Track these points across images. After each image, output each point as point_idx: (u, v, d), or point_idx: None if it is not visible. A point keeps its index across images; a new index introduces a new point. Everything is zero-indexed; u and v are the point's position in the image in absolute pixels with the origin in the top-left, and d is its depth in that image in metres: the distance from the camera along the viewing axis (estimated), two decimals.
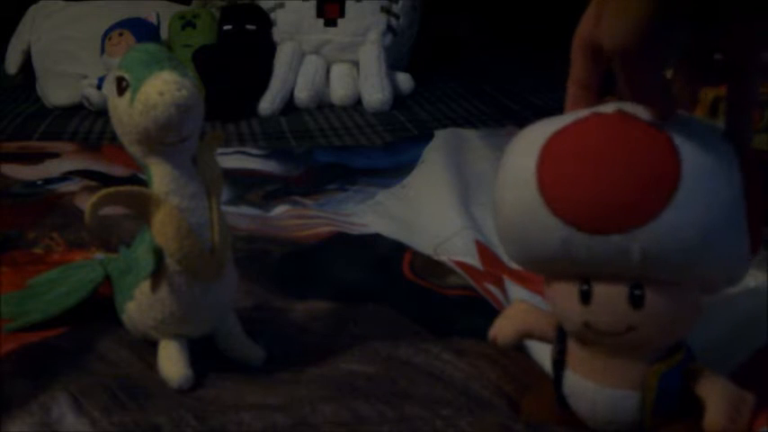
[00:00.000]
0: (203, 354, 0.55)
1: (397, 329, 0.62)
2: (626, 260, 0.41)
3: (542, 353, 0.56)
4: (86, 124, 1.31)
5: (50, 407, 0.49)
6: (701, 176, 0.40)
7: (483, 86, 1.50)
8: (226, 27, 1.44)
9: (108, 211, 0.54)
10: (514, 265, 0.73)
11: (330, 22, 1.44)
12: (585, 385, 0.45)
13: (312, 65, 1.42)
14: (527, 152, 0.44)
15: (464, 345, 0.59)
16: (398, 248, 0.77)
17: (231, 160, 1.04)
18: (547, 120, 0.45)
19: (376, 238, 0.80)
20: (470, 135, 1.11)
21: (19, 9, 1.56)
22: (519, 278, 0.70)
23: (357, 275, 0.72)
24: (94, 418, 0.48)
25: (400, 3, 1.48)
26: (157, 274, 0.52)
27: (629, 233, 0.40)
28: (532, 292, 0.67)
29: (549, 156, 0.43)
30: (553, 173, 0.42)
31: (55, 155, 1.09)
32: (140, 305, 0.54)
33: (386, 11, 1.46)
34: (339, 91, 1.40)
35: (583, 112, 0.44)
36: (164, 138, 0.50)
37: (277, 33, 1.45)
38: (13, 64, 1.54)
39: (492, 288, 0.69)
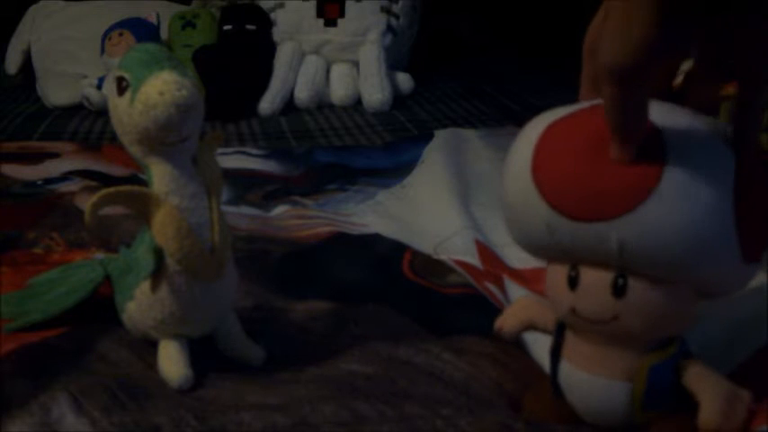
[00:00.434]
0: (203, 354, 0.55)
1: (397, 329, 0.62)
2: (605, 249, 0.41)
3: (542, 352, 0.56)
4: (86, 124, 1.30)
5: (50, 407, 0.49)
6: (686, 173, 0.40)
7: (483, 86, 1.50)
8: (226, 27, 1.44)
9: (108, 211, 0.54)
10: (514, 265, 0.73)
11: (330, 22, 1.44)
12: (579, 375, 0.46)
13: (312, 65, 1.42)
14: (527, 139, 0.45)
15: (464, 344, 0.59)
16: (398, 248, 0.77)
17: (231, 160, 1.04)
18: (555, 110, 0.46)
19: (376, 238, 0.80)
20: (470, 135, 1.11)
21: (19, 9, 1.56)
22: (519, 278, 0.71)
23: (357, 275, 0.72)
24: (94, 418, 0.48)
25: (400, 3, 1.48)
26: (157, 274, 0.52)
27: (609, 222, 0.41)
28: (532, 292, 0.67)
29: (543, 143, 0.44)
30: (544, 159, 0.43)
31: (55, 155, 1.09)
32: (140, 305, 0.54)
33: (386, 11, 1.46)
34: (339, 91, 1.40)
35: (583, 104, 0.45)
36: (164, 138, 0.50)
37: (277, 33, 1.45)
38: (13, 64, 1.54)
39: (492, 287, 0.69)
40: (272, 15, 1.46)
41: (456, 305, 0.66)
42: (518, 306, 0.53)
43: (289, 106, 1.37)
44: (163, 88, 0.48)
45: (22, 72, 1.54)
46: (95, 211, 0.50)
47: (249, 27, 1.44)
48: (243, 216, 0.86)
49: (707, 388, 0.44)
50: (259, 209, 0.89)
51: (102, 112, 1.33)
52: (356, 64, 1.42)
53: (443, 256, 0.74)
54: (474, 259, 0.73)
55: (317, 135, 1.23)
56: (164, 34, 1.44)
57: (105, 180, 0.97)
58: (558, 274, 0.45)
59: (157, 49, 0.51)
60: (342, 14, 1.44)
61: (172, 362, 0.53)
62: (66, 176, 0.99)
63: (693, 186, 0.40)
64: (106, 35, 1.39)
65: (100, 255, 0.74)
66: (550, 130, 0.44)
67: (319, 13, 1.44)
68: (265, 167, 1.04)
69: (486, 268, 0.72)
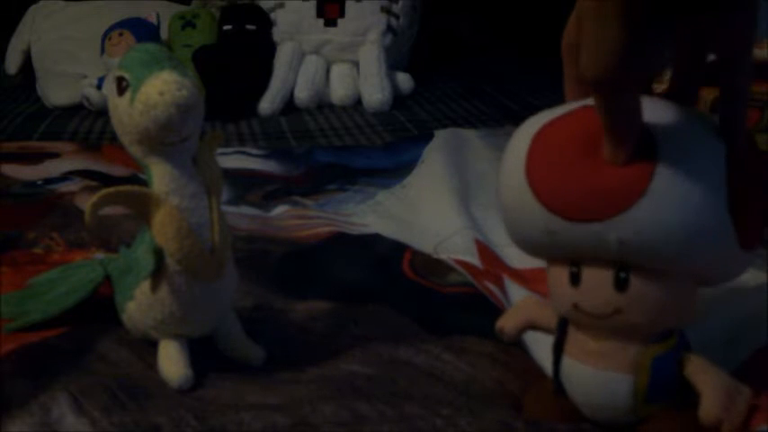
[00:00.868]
0: (203, 354, 0.55)
1: (397, 329, 0.62)
2: (604, 247, 0.42)
3: (542, 352, 0.56)
4: (86, 124, 1.31)
5: (50, 407, 0.49)
6: (678, 168, 0.40)
7: (483, 86, 1.50)
8: (226, 27, 1.44)
9: (108, 211, 0.54)
10: (514, 265, 0.73)
11: (330, 22, 1.44)
12: (581, 369, 0.46)
13: (312, 65, 1.42)
14: (522, 140, 0.45)
15: (465, 343, 0.59)
16: (398, 248, 0.77)
17: (231, 160, 1.04)
18: (548, 111, 0.46)
19: (376, 238, 0.80)
20: (470, 135, 1.11)
21: (19, 9, 1.56)
22: (519, 278, 0.71)
23: (357, 275, 0.72)
24: (94, 418, 0.48)
25: (400, 3, 1.48)
26: (157, 274, 0.52)
27: (606, 222, 0.41)
28: (532, 292, 0.67)
29: (537, 144, 0.44)
30: (538, 160, 0.44)
31: (55, 155, 1.09)
32: (140, 305, 0.54)
33: (386, 11, 1.46)
34: (339, 91, 1.40)
35: (575, 105, 0.45)
36: (164, 138, 0.50)
37: (277, 33, 1.45)
38: (13, 64, 1.54)
39: (492, 287, 0.69)
40: (272, 15, 1.46)
41: (456, 305, 0.66)
42: (519, 306, 0.53)
43: (289, 106, 1.37)
44: (163, 88, 0.48)
45: (22, 72, 1.54)
46: (95, 211, 0.50)
47: (249, 27, 1.44)
48: (243, 216, 0.86)
49: (708, 381, 0.44)
50: (259, 209, 0.89)
51: (102, 112, 1.33)
52: (356, 64, 1.42)
53: (443, 256, 0.74)
54: (474, 259, 0.73)
55: (317, 135, 1.23)
56: (164, 34, 1.44)
57: (105, 180, 0.97)
58: (558, 272, 0.45)
59: (157, 49, 0.51)
60: (342, 14, 1.44)
61: (172, 362, 0.53)
62: (66, 176, 0.99)
63: (686, 180, 0.40)
64: (106, 35, 1.40)
65: (100, 255, 0.74)
66: (543, 131, 0.44)
67: (319, 13, 1.44)
68: (265, 167, 1.04)
69: (486, 268, 0.72)
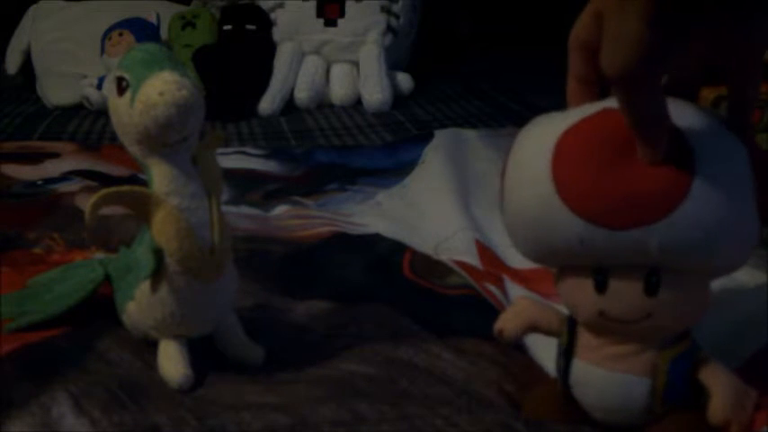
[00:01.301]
0: (203, 354, 0.55)
1: (397, 329, 0.62)
2: (644, 253, 0.41)
3: (542, 352, 0.56)
4: (86, 124, 1.30)
5: (50, 407, 0.49)
6: (715, 168, 0.40)
7: (483, 86, 1.50)
8: (226, 27, 1.44)
9: (108, 211, 0.54)
10: (514, 265, 0.73)
11: (330, 22, 1.44)
12: (595, 373, 0.46)
13: (312, 65, 1.42)
14: (540, 150, 0.43)
15: (464, 344, 0.59)
16: (398, 248, 0.77)
17: (231, 160, 1.04)
18: (551, 115, 0.45)
19: (376, 238, 0.80)
20: (470, 135, 1.11)
21: (19, 9, 1.56)
22: (519, 278, 0.71)
23: (357, 275, 0.72)
24: (94, 418, 0.48)
25: (400, 3, 1.48)
26: (157, 274, 0.52)
27: (648, 227, 0.40)
28: (532, 292, 0.67)
29: (563, 153, 0.42)
30: (569, 170, 0.42)
31: (55, 155, 1.09)
32: (140, 305, 0.54)
33: (386, 11, 1.46)
34: (339, 91, 1.40)
35: (591, 108, 0.44)
36: (164, 138, 0.50)
37: (277, 33, 1.45)
38: (13, 64, 1.54)
39: (492, 288, 0.69)
40: (272, 15, 1.46)
41: (456, 306, 0.66)
42: (518, 308, 0.51)
43: (289, 106, 1.37)
44: (163, 88, 0.48)
45: (22, 72, 1.54)
46: (95, 211, 0.50)
47: (249, 27, 1.44)
48: (243, 216, 0.86)
49: (719, 382, 0.44)
50: (259, 209, 0.89)
51: (102, 112, 1.33)
52: (356, 64, 1.42)
53: (443, 257, 0.74)
54: (474, 259, 0.73)
55: (317, 135, 1.23)
56: (164, 34, 1.44)
57: (105, 180, 0.97)
58: (579, 280, 0.45)
59: (157, 49, 0.51)
60: (342, 14, 1.44)
61: (172, 362, 0.53)
62: (66, 176, 0.99)
63: (723, 178, 0.40)
64: (106, 35, 1.40)
65: (100, 255, 0.74)
66: (566, 139, 0.43)
67: (319, 13, 1.44)
68: (265, 167, 1.04)
69: (486, 269, 0.72)
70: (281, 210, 0.89)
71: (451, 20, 1.84)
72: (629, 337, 0.45)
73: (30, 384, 0.51)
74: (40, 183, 0.97)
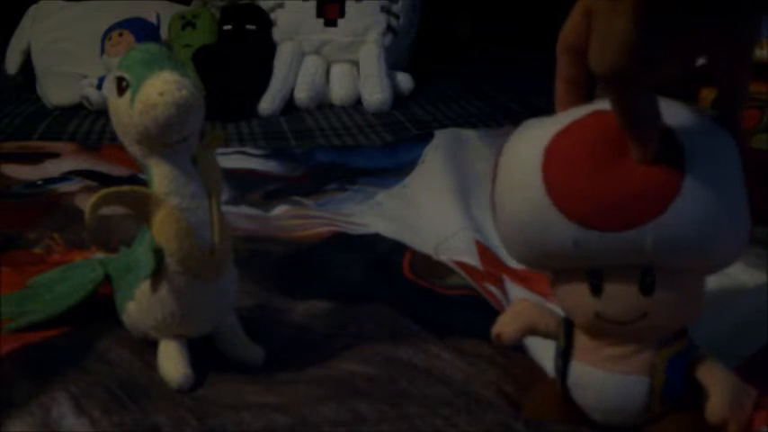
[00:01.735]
0: (203, 354, 0.55)
1: (397, 329, 0.62)
2: (638, 252, 0.41)
3: (542, 352, 0.56)
4: (86, 124, 1.31)
5: (50, 407, 0.49)
6: (705, 164, 0.40)
7: (483, 86, 1.50)
8: (226, 27, 1.45)
9: (108, 211, 0.54)
10: (514, 265, 0.73)
11: (330, 22, 1.44)
12: (593, 374, 0.46)
13: (312, 65, 1.42)
14: (531, 154, 0.43)
15: (464, 345, 0.59)
16: (398, 248, 0.77)
17: (231, 160, 1.04)
18: (541, 119, 0.45)
19: (376, 238, 0.80)
20: (470, 135, 1.11)
21: (19, 9, 1.56)
22: (519, 278, 0.71)
23: (357, 275, 0.72)
24: (94, 418, 0.48)
25: (400, 3, 1.48)
26: (157, 274, 0.52)
27: (640, 227, 0.41)
28: (532, 292, 0.67)
29: (553, 156, 0.42)
30: (559, 173, 0.42)
31: (55, 155, 1.09)
32: (140, 305, 0.54)
33: (386, 11, 1.46)
34: (339, 91, 1.40)
35: (581, 111, 0.44)
36: (164, 138, 0.50)
37: (277, 33, 1.45)
38: (13, 64, 1.54)
39: (492, 288, 0.69)
40: (272, 15, 1.47)
41: (455, 307, 0.66)
42: (516, 311, 0.51)
43: (289, 106, 1.37)
44: (163, 88, 0.48)
45: (22, 72, 1.54)
46: (95, 211, 0.50)
47: (249, 27, 1.44)
48: (243, 216, 0.86)
49: (717, 380, 0.44)
50: (259, 209, 0.89)
51: (102, 112, 1.33)
52: (356, 64, 1.42)
53: (443, 257, 0.74)
54: (474, 260, 0.73)
55: (317, 135, 1.23)
56: (164, 34, 1.45)
57: (105, 180, 0.97)
58: (575, 284, 0.45)
59: (157, 49, 0.51)
60: (342, 14, 1.44)
61: (172, 362, 0.53)
62: (66, 176, 0.99)
63: (714, 175, 0.40)
64: (106, 35, 1.40)
65: (100, 255, 0.74)
66: (556, 142, 0.43)
67: (319, 13, 1.44)
68: (265, 167, 1.04)
69: (486, 269, 0.72)
70: (281, 210, 0.89)
71: (451, 20, 1.84)
72: (626, 338, 0.45)
73: (30, 384, 0.51)
74: (40, 183, 0.97)
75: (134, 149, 0.52)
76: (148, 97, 0.48)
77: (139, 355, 0.56)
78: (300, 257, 0.75)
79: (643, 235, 0.41)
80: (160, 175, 0.51)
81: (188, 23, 1.44)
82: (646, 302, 0.43)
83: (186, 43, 1.41)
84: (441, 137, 1.08)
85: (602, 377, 0.45)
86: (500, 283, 0.70)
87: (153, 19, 1.43)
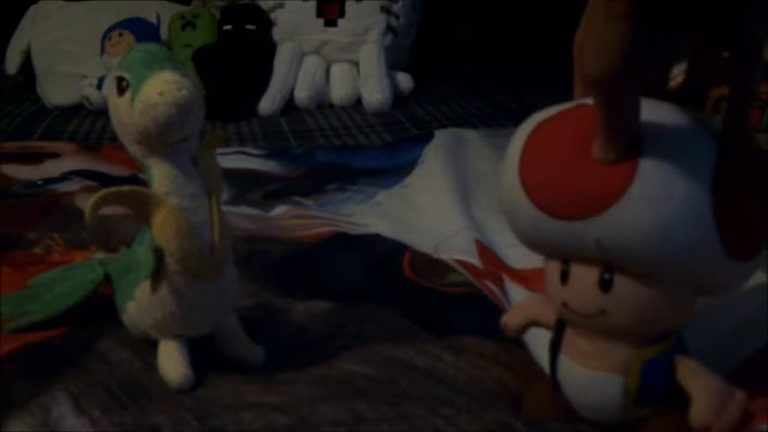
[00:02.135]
0: (203, 354, 0.55)
1: (397, 329, 0.62)
2: (585, 248, 0.42)
3: (542, 351, 0.56)
4: (86, 124, 1.31)
5: (50, 407, 0.49)
6: (660, 172, 0.40)
7: (483, 86, 1.50)
8: (226, 27, 1.44)
9: (108, 211, 0.54)
10: (514, 265, 0.73)
11: (330, 22, 1.44)
12: (575, 369, 0.46)
13: (312, 65, 1.42)
14: (518, 137, 0.45)
15: (465, 343, 0.59)
16: (398, 248, 0.77)
17: (231, 160, 1.04)
18: (546, 110, 0.46)
19: (376, 238, 0.80)
20: (470, 135, 1.11)
21: (19, 9, 1.56)
22: (518, 278, 0.71)
23: (357, 275, 0.72)
24: (94, 418, 0.48)
25: (400, 3, 1.48)
26: (157, 274, 0.52)
27: (585, 222, 0.41)
28: (532, 292, 0.67)
29: (531, 141, 0.44)
30: (531, 159, 0.44)
31: (55, 155, 1.09)
32: (140, 305, 0.54)
33: (386, 11, 1.46)
34: (339, 91, 1.40)
35: (573, 103, 0.45)
36: (164, 138, 0.50)
37: (277, 33, 1.45)
38: (13, 64, 1.54)
39: (492, 286, 0.69)
40: (272, 15, 1.46)
41: (456, 304, 0.66)
42: (523, 304, 0.53)
43: (289, 106, 1.37)
44: (163, 88, 0.48)
45: (22, 72, 1.54)
46: (95, 211, 0.50)
47: (249, 27, 1.44)
48: (243, 216, 0.86)
49: (699, 384, 0.44)
50: (259, 209, 0.89)
51: (102, 112, 1.33)
52: (356, 64, 1.42)
53: (444, 256, 0.74)
54: (474, 259, 0.73)
55: (317, 135, 1.23)
56: (164, 34, 1.44)
57: (105, 180, 0.97)
58: (552, 270, 0.46)
59: (157, 49, 0.51)
60: (342, 14, 1.44)
61: (172, 362, 0.53)
62: (66, 176, 0.99)
63: (667, 184, 0.40)
64: (106, 35, 1.40)
65: (100, 255, 0.74)
66: (538, 129, 0.45)
67: (319, 13, 1.44)
68: (265, 167, 1.04)
69: (486, 268, 0.72)
70: (281, 210, 0.89)
71: (451, 20, 1.84)
72: (594, 334, 0.45)
73: (30, 384, 0.51)
74: (40, 183, 0.97)
75: (134, 149, 0.52)
76: (148, 97, 0.48)
77: (139, 355, 0.56)
78: (300, 257, 0.75)
79: (586, 229, 0.41)
80: (160, 175, 0.51)
81: (188, 23, 1.44)
82: (603, 299, 0.43)
83: (186, 43, 1.41)
84: (441, 137, 1.08)
85: (582, 373, 0.46)
86: (500, 283, 0.70)
87: (153, 19, 1.43)
